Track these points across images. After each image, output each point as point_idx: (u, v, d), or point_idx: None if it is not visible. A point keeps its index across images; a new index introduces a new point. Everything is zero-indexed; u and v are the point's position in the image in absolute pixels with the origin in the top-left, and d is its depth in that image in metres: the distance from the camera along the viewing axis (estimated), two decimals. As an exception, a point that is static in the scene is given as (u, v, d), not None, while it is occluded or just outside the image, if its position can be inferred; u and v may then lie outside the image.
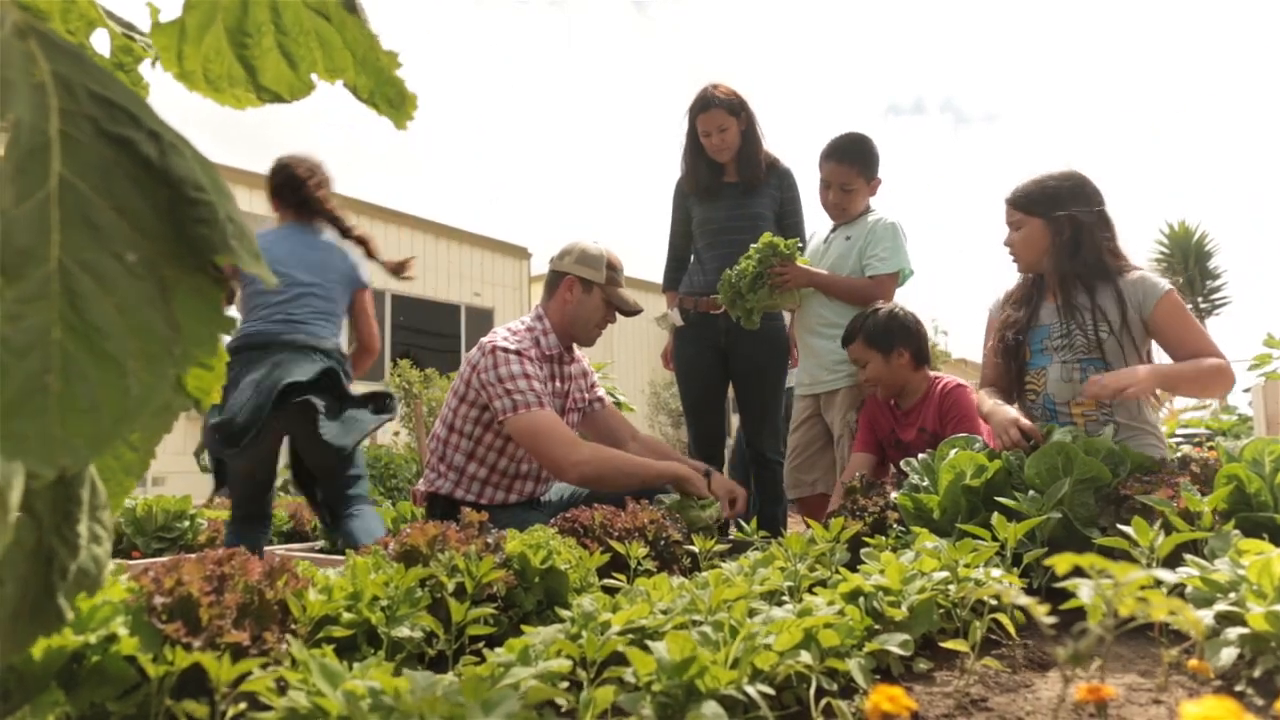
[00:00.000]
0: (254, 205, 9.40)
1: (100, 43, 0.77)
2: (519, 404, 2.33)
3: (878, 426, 2.73)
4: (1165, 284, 2.20)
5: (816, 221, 3.27)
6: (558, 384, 2.60)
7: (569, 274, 2.58)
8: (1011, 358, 2.32)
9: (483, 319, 11.78)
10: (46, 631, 0.62)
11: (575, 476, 2.33)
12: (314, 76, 0.77)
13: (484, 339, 2.51)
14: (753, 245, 2.83)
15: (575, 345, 2.70)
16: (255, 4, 0.72)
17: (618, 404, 4.76)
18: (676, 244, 3.38)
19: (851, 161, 2.90)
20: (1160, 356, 2.24)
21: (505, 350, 2.40)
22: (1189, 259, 14.83)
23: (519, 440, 2.38)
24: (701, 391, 3.23)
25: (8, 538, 0.56)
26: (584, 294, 2.57)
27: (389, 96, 0.73)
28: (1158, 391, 2.21)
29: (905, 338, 2.60)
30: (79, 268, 0.46)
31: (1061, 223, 2.24)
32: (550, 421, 2.33)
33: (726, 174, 3.19)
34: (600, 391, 2.84)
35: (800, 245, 2.89)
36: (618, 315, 2.66)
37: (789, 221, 3.21)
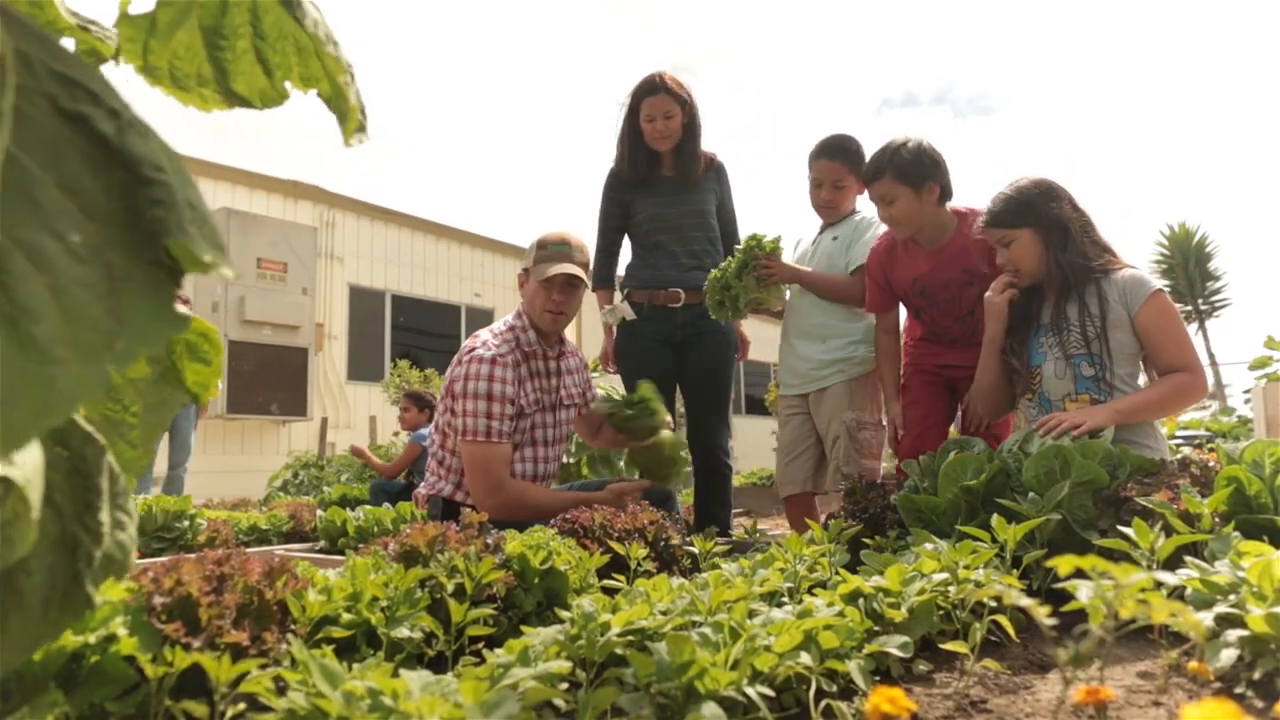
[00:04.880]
0: (252, 204, 9.40)
1: (67, 48, 0.76)
2: (468, 429, 2.39)
3: (895, 276, 2.69)
4: (1155, 285, 2.22)
5: (802, 223, 3.31)
6: (544, 380, 2.61)
7: (521, 269, 2.64)
8: (1016, 359, 2.34)
9: (483, 319, 11.78)
10: (78, 617, 0.62)
11: (485, 510, 2.35)
12: (288, 84, 0.75)
13: (466, 342, 2.54)
14: (737, 247, 2.85)
15: (566, 339, 2.72)
16: (234, 5, 0.70)
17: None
18: (613, 237, 3.28)
19: (844, 159, 2.92)
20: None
21: (480, 360, 2.42)
22: (1189, 260, 14.82)
23: (464, 464, 2.46)
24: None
25: (31, 539, 0.55)
26: (526, 283, 2.60)
27: (339, 110, 0.69)
28: None
29: (936, 171, 2.54)
30: (12, 244, 0.43)
31: (1049, 225, 2.27)
32: (486, 457, 2.39)
33: (663, 166, 3.15)
34: (595, 391, 2.85)
35: (781, 243, 2.91)
36: (582, 298, 2.65)
37: (725, 216, 3.25)
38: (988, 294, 2.41)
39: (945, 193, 2.59)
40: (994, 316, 2.37)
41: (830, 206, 2.98)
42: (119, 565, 0.65)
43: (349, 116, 0.70)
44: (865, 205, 3.01)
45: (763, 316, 3.32)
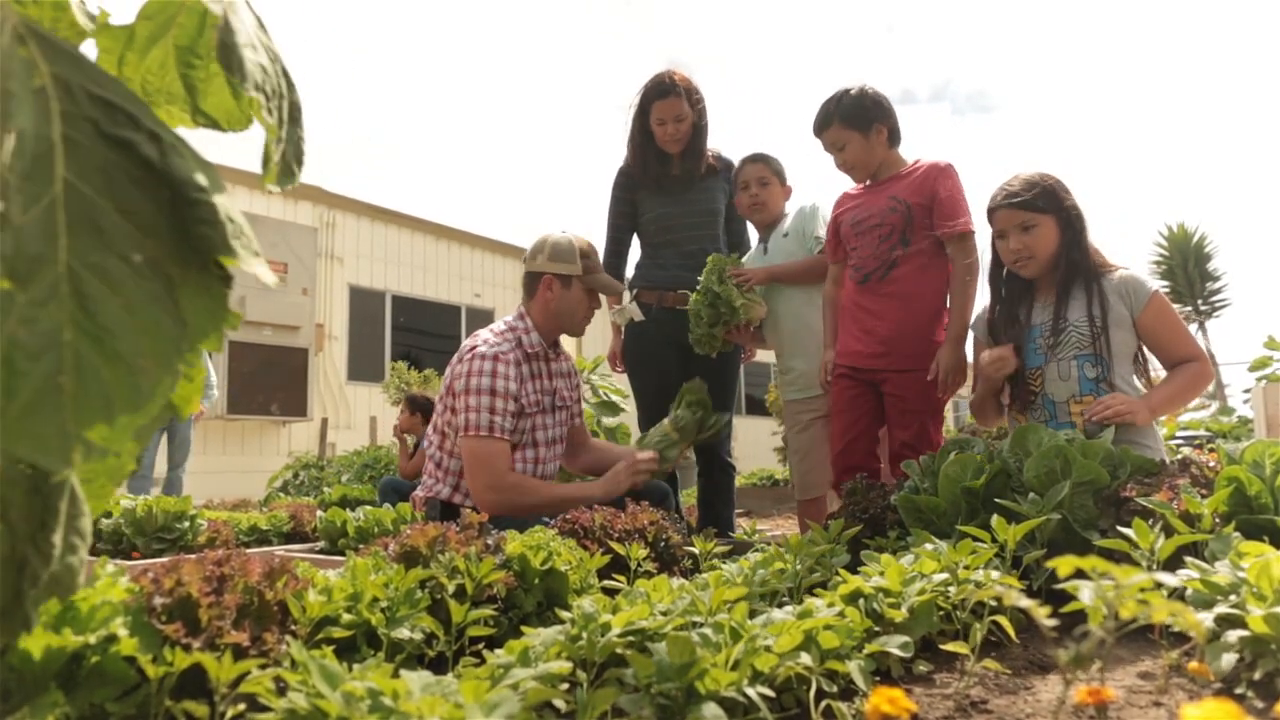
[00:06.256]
0: (252, 204, 9.41)
1: (88, 52, 0.77)
2: (470, 424, 2.38)
3: (842, 218, 2.75)
4: (1153, 285, 2.25)
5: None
6: (543, 381, 2.61)
7: (545, 273, 2.58)
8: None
9: (483, 320, 11.77)
10: (12, 635, 0.64)
11: (485, 506, 2.34)
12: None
13: (466, 342, 2.54)
14: (698, 279, 2.90)
15: (560, 342, 2.72)
16: (211, 28, 0.71)
17: (613, 404, 4.74)
18: (622, 236, 3.28)
19: (765, 162, 3.08)
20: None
21: (482, 357, 2.42)
22: (1188, 261, 14.81)
23: (463, 460, 2.44)
24: (661, 390, 3.19)
25: None
26: (564, 289, 2.58)
27: (263, 154, 0.72)
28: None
29: (881, 114, 2.62)
30: (87, 270, 0.47)
31: (1068, 217, 2.27)
32: (489, 451, 2.38)
33: (672, 166, 3.15)
34: (581, 404, 2.87)
35: (740, 256, 3.02)
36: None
37: (737, 214, 3.27)
38: (983, 361, 2.39)
39: (893, 134, 2.66)
40: (988, 383, 2.39)
41: (758, 204, 3.09)
42: (64, 588, 0.66)
43: (267, 165, 0.71)
44: (793, 206, 3.15)
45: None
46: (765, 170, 3.08)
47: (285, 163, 0.72)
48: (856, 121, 2.60)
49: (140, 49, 0.73)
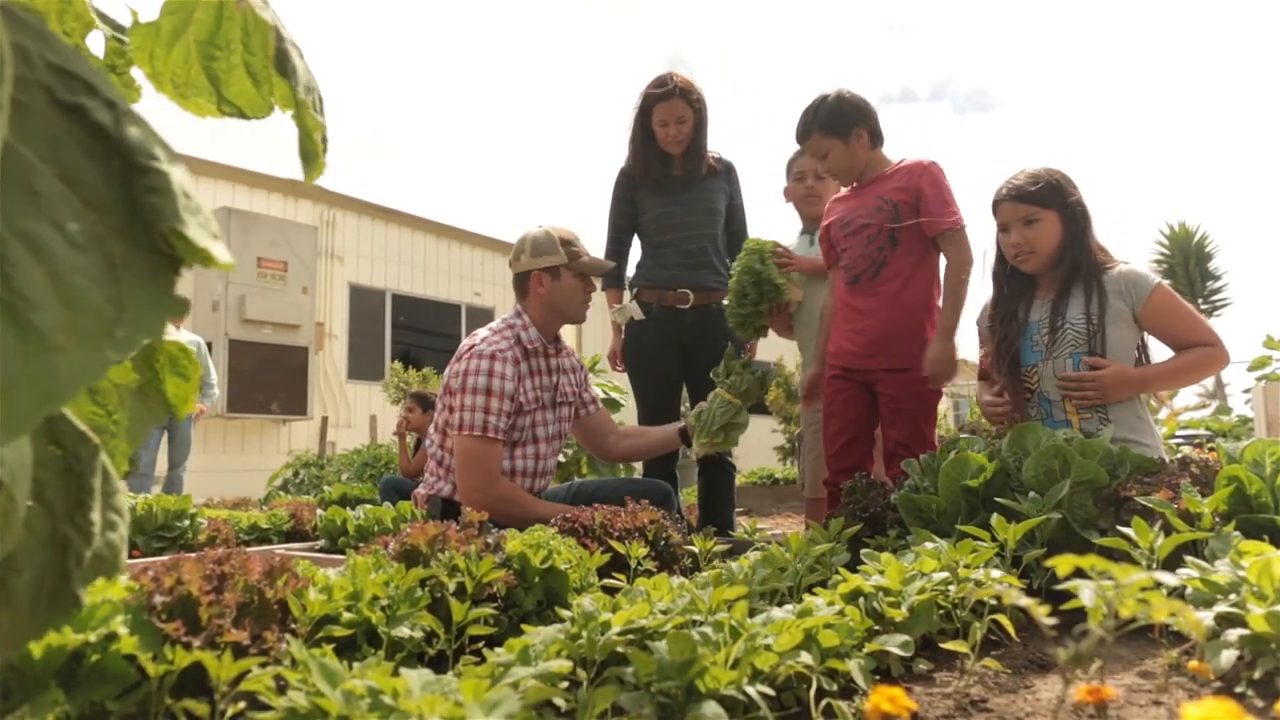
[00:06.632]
0: (252, 203, 9.40)
1: (96, 45, 0.78)
2: (464, 423, 2.39)
3: (830, 221, 2.75)
4: (1154, 278, 2.24)
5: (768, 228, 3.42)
6: (544, 377, 2.62)
7: (533, 270, 2.61)
8: (1006, 360, 2.33)
9: (483, 318, 11.76)
10: (65, 617, 0.63)
11: (471, 506, 2.34)
12: (273, 99, 0.78)
13: (465, 340, 2.56)
14: (738, 260, 2.91)
15: (561, 337, 2.73)
16: (228, 20, 0.73)
17: (614, 401, 4.74)
18: (622, 236, 3.29)
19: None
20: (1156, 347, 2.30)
21: (480, 355, 2.43)
22: (1189, 260, 14.80)
23: (455, 458, 2.45)
24: (661, 389, 3.21)
25: (18, 536, 0.55)
26: (554, 281, 2.60)
27: (304, 150, 0.72)
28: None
29: (860, 117, 2.61)
30: (11, 234, 0.43)
31: (1072, 212, 2.27)
32: (481, 452, 2.39)
33: (673, 166, 3.17)
34: (594, 393, 2.86)
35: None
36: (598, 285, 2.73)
37: (736, 215, 3.28)
38: (983, 402, 2.45)
39: (875, 136, 2.65)
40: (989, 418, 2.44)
41: (813, 196, 3.10)
42: (108, 565, 0.65)
43: (312, 161, 0.72)
44: None
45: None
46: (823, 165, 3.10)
47: (325, 142, 0.73)
48: (836, 129, 2.59)
49: (166, 44, 0.74)
